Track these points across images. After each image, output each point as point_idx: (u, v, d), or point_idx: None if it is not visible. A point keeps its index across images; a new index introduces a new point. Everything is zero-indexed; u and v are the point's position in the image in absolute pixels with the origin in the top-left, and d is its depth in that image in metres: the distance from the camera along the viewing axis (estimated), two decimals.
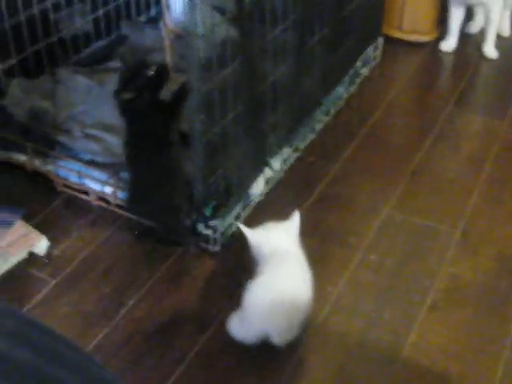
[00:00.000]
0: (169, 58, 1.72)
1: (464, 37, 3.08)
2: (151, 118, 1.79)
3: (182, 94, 1.76)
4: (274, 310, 1.58)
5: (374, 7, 2.73)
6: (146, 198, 1.92)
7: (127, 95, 1.74)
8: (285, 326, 1.61)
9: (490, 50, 2.96)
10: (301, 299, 1.61)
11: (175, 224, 1.93)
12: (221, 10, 1.67)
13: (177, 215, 1.91)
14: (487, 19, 2.95)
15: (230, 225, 1.98)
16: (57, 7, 2.49)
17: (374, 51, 2.86)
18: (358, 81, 2.75)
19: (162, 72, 1.80)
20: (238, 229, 1.79)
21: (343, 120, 2.54)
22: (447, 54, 3.01)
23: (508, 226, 2.08)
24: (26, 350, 0.41)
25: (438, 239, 2.02)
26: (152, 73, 1.76)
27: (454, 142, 2.46)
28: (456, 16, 2.96)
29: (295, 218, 1.74)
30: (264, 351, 1.64)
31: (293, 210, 1.76)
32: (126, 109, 1.82)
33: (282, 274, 1.62)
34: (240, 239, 1.84)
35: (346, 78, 2.61)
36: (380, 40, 2.88)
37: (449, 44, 3.01)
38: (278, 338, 1.62)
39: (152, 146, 1.83)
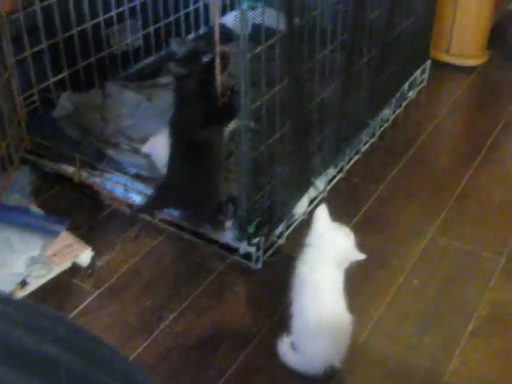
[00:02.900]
0: (218, 76, 1.73)
1: None
2: (201, 102, 1.81)
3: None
4: (322, 334, 1.58)
5: (422, 30, 2.72)
6: (181, 186, 1.92)
7: (180, 70, 1.77)
8: (334, 349, 1.61)
9: None
10: (345, 321, 1.60)
11: (206, 212, 1.96)
12: (270, 30, 1.68)
13: (209, 203, 1.93)
14: None
15: (273, 243, 1.98)
16: (109, 23, 2.53)
17: (421, 74, 2.85)
18: (404, 103, 2.74)
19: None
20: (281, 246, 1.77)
21: (389, 142, 2.53)
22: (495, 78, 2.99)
23: None
24: (76, 355, 0.42)
25: (482, 265, 1.99)
26: (207, 59, 1.79)
27: (501, 167, 2.43)
28: None
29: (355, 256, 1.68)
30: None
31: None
32: (178, 88, 1.84)
33: (325, 297, 1.61)
34: (282, 257, 1.84)
35: (393, 101, 2.61)
36: (427, 63, 2.87)
37: None
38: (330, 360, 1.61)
39: (196, 130, 1.84)
